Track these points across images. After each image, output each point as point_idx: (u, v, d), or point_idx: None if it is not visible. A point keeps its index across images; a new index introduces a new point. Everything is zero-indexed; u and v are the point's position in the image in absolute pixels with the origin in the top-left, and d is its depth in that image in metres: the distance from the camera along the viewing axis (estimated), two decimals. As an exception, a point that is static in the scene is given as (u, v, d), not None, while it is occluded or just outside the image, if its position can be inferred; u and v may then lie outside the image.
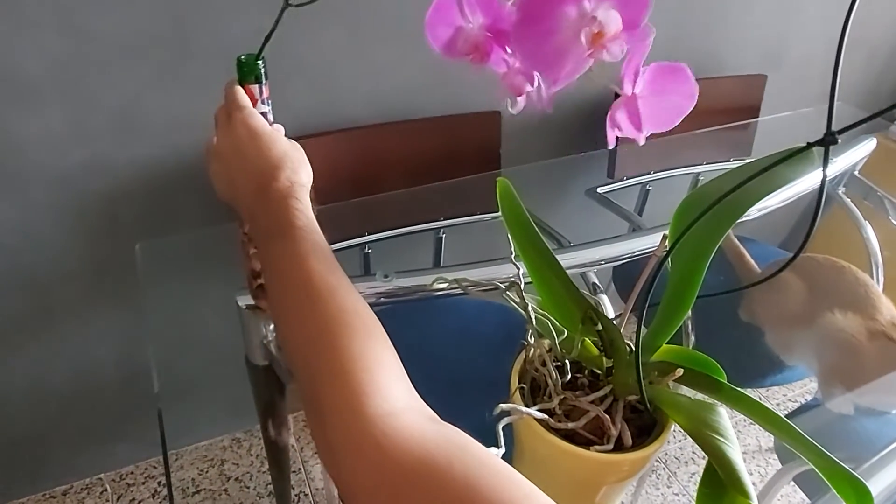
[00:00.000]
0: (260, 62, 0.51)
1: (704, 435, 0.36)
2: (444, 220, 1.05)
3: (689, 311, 1.04)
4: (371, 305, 0.36)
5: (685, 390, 0.42)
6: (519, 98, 0.36)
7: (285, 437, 0.94)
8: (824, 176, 0.33)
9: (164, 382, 1.16)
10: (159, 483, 1.25)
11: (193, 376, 1.18)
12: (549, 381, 0.40)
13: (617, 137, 1.36)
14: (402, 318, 1.01)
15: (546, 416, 0.39)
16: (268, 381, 0.77)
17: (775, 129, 1.36)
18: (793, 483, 0.84)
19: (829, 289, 0.87)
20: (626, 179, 1.25)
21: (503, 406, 0.36)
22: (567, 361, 0.42)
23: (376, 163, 1.04)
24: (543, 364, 0.41)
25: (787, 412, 0.96)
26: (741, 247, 1.13)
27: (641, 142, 0.35)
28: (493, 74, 0.38)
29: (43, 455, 1.19)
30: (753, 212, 1.08)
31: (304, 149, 1.08)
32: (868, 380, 0.77)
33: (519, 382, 0.42)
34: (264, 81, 0.52)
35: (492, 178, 1.15)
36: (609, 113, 0.34)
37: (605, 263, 0.90)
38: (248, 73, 0.51)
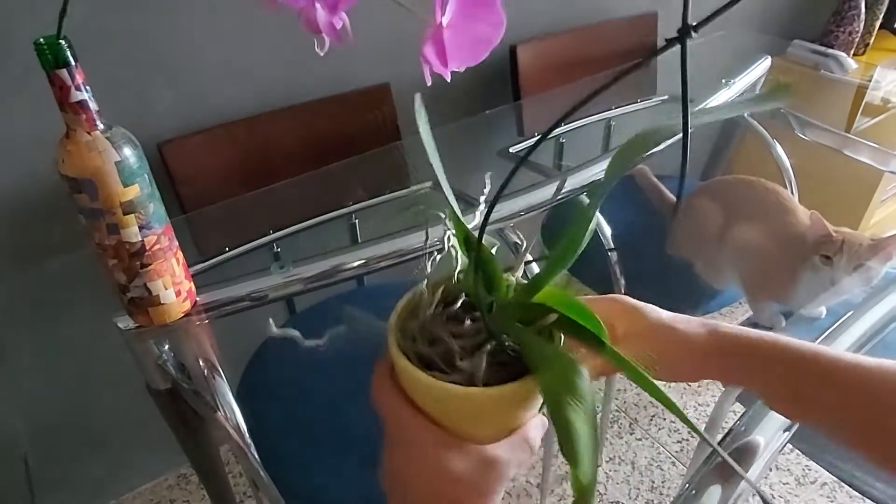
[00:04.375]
0: (63, 42, 0.44)
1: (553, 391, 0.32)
2: (353, 203, 0.99)
3: (616, 259, 0.99)
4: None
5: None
6: (321, 35, 0.31)
7: (218, 465, 0.87)
8: (684, 70, 0.30)
9: (72, 432, 1.06)
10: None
11: (110, 416, 1.09)
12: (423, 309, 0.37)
13: (518, 93, 1.29)
14: (332, 313, 0.96)
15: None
16: (176, 405, 0.70)
17: (675, 62, 1.35)
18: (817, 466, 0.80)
19: (741, 204, 0.86)
20: (538, 135, 1.22)
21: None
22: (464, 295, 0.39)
23: (268, 153, 0.97)
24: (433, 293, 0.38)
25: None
26: (658, 183, 1.13)
27: (448, 77, 0.31)
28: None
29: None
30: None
31: (182, 151, 0.99)
32: (791, 286, 0.77)
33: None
34: (74, 64, 0.45)
35: (394, 150, 1.09)
36: (421, 48, 0.30)
37: (524, 214, 0.87)
38: (51, 57, 0.44)
